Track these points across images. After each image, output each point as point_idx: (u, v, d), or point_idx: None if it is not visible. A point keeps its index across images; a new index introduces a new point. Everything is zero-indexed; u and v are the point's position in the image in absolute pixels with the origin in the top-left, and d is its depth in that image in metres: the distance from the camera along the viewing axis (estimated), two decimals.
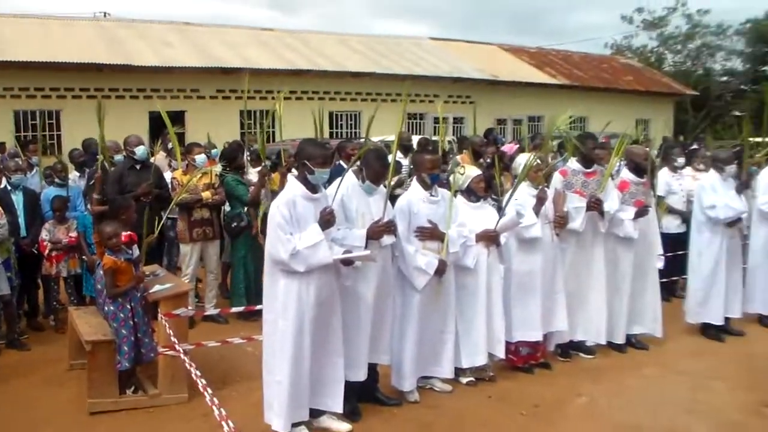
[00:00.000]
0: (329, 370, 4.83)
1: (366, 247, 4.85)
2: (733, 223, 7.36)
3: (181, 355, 4.90)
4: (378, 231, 4.92)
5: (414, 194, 5.49)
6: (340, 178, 4.97)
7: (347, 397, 4.92)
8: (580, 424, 5.26)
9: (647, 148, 12.27)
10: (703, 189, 7.46)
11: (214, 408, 3.96)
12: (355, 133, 20.64)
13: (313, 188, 4.74)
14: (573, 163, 6.71)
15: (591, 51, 33.03)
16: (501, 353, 5.93)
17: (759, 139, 11.64)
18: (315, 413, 4.89)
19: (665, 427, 5.21)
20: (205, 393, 4.17)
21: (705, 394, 5.83)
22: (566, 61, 29.53)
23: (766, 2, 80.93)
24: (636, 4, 54.25)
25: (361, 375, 5.05)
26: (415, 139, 11.35)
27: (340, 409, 4.88)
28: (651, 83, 30.01)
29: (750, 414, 5.44)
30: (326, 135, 15.09)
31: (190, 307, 5.94)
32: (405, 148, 9.69)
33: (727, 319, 7.45)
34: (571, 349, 6.66)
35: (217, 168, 8.30)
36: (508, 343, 6.03)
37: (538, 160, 6.34)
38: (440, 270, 5.35)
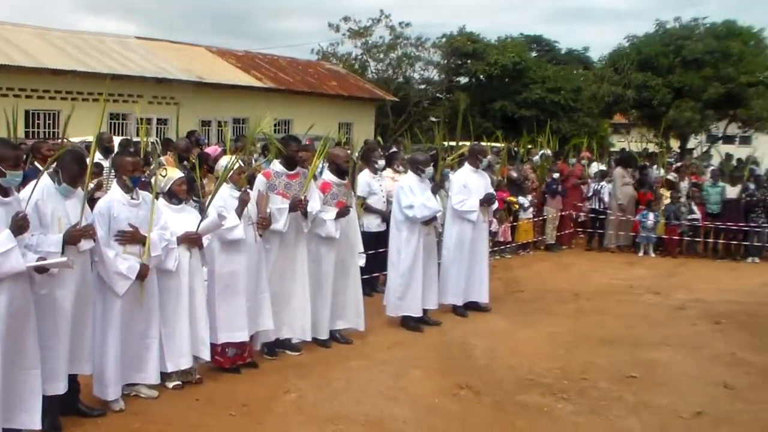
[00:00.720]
0: (24, 385, 4.83)
1: (63, 253, 4.94)
2: (429, 221, 8.47)
3: None
4: (75, 235, 5.06)
5: (114, 197, 5.69)
6: (34, 181, 5.03)
7: (46, 411, 4.97)
8: (289, 420, 5.80)
9: (349, 151, 13.42)
10: (401, 190, 8.48)
11: None
12: (54, 132, 19.75)
13: (4, 192, 4.74)
14: (276, 165, 7.29)
15: (298, 56, 34.56)
16: (206, 356, 6.33)
17: (452, 143, 13.33)
18: None
19: (370, 414, 5.91)
20: None
21: (406, 381, 6.71)
22: (272, 64, 30.65)
23: (459, 20, 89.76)
24: (343, 13, 57.54)
25: (60, 387, 5.14)
26: (117, 140, 11.39)
27: (38, 426, 4.90)
28: (354, 89, 32.22)
29: (447, 396, 6.38)
30: (21, 135, 14.38)
31: None
32: (105, 149, 9.75)
33: (424, 310, 8.60)
34: (277, 347, 7.27)
35: None
36: (214, 345, 6.45)
37: (240, 162, 6.83)
38: (142, 274, 5.61)
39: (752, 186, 14.34)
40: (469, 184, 9.16)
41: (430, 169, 8.59)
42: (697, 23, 21.06)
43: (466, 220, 9.11)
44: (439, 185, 8.79)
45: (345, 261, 7.72)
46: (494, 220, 11.97)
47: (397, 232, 8.48)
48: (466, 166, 9.41)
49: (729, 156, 18.60)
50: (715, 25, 20.91)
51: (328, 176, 7.76)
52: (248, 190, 6.78)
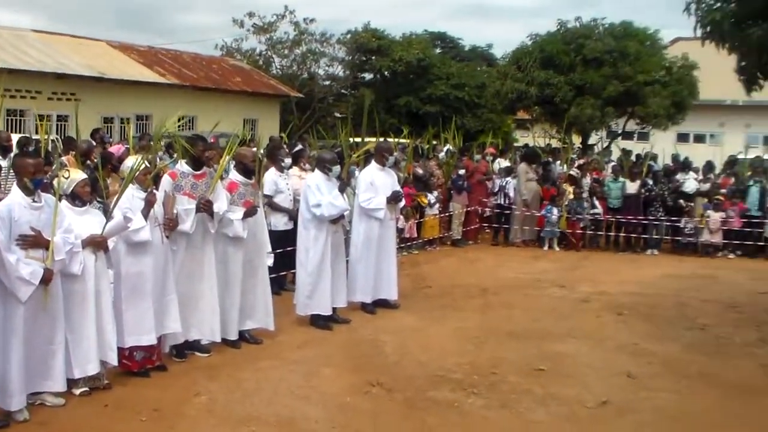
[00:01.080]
0: None
1: None
2: (337, 220, 8.60)
3: None
4: None
5: (15, 200, 5.58)
6: None
7: None
8: (200, 423, 5.82)
9: (254, 148, 13.42)
10: (308, 188, 8.58)
11: None
12: None
13: None
14: (182, 165, 7.26)
15: (202, 52, 34.20)
16: (114, 360, 6.27)
17: (358, 140, 13.48)
18: None
19: (282, 415, 5.98)
20: None
21: (317, 380, 6.80)
22: (176, 60, 30.30)
23: (364, 16, 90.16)
24: (247, 9, 56.96)
25: None
26: (15, 138, 11.05)
27: None
28: (259, 85, 32.11)
29: (358, 394, 6.50)
30: None
31: None
32: (4, 148, 9.46)
33: (334, 309, 8.71)
34: (186, 349, 7.27)
35: None
36: (121, 349, 6.41)
37: (146, 163, 6.79)
38: (45, 279, 5.52)
39: (650, 181, 15.00)
40: (376, 182, 9.32)
41: (336, 168, 8.74)
42: (597, 23, 21.85)
43: (374, 218, 9.28)
44: (345, 183, 8.96)
45: (253, 261, 7.75)
46: (401, 216, 12.17)
47: (305, 230, 8.57)
48: (373, 164, 9.56)
49: (628, 152, 19.35)
50: (614, 26, 21.74)
51: (234, 176, 7.79)
52: (154, 191, 6.74)
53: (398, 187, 9.78)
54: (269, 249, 8.11)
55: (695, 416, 6.23)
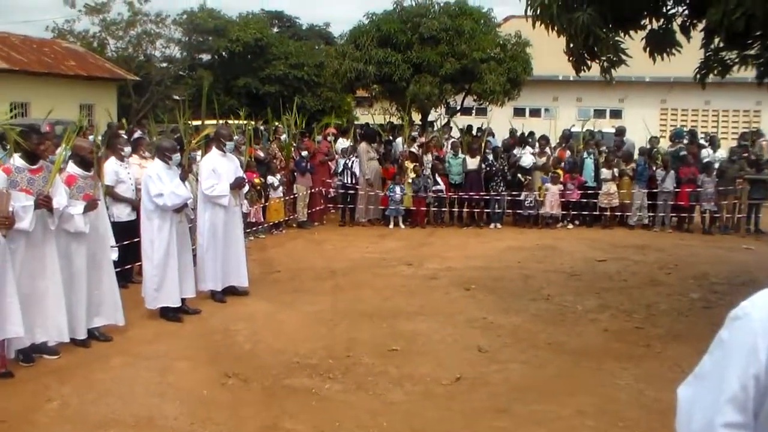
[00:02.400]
0: None
1: None
2: (180, 209, 8.52)
3: None
4: None
5: None
6: None
7: None
8: (54, 430, 5.59)
9: (91, 136, 12.98)
10: (149, 178, 8.44)
11: None
12: None
13: None
14: (17, 160, 6.93)
15: (32, 34, 32.65)
16: None
17: (197, 123, 13.29)
18: None
19: (140, 414, 5.84)
20: None
21: (172, 376, 6.72)
22: (4, 43, 28.88)
23: None
24: None
25: None
26: None
27: None
28: (94, 68, 31.06)
29: (215, 387, 6.47)
30: None
31: None
32: None
33: (183, 299, 8.64)
34: (33, 352, 7.00)
35: None
36: None
37: None
38: None
39: (490, 157, 15.60)
40: (218, 169, 9.29)
41: (177, 156, 8.66)
42: (432, 2, 22.26)
43: (218, 205, 9.24)
44: (187, 171, 8.92)
45: (97, 255, 7.57)
46: (245, 201, 12.15)
47: (149, 221, 8.46)
48: (214, 150, 9.50)
49: (469, 128, 20.00)
50: (449, 5, 22.22)
51: (72, 169, 7.55)
52: None
53: (241, 173, 9.77)
54: (113, 242, 7.92)
55: (545, 384, 6.58)
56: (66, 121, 16.00)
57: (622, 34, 7.93)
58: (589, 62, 7.95)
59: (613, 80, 8.01)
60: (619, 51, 7.65)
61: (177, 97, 28.85)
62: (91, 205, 7.32)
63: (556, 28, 7.53)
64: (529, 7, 7.65)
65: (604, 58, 7.76)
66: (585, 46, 7.58)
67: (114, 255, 7.91)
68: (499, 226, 15.52)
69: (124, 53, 34.66)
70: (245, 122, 16.82)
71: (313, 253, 12.72)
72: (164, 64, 34.98)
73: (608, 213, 15.65)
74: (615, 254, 12.64)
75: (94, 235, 7.47)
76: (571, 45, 7.81)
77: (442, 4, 22.45)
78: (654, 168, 15.49)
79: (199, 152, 11.25)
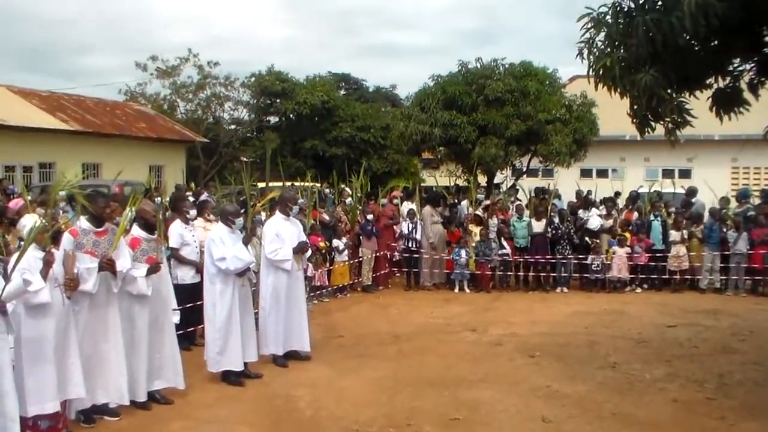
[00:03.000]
0: None
1: None
2: (243, 272, 8.61)
3: None
4: None
5: None
6: None
7: None
8: None
9: (158, 198, 13.35)
10: (212, 242, 8.59)
11: None
12: None
13: None
14: (83, 222, 7.19)
15: (105, 96, 34.13)
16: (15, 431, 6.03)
17: (262, 185, 13.53)
18: None
19: None
20: None
21: None
22: (79, 105, 30.00)
23: (267, 58, 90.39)
24: (149, 51, 56.55)
25: None
26: None
27: None
28: (164, 130, 32.02)
29: None
30: None
31: None
32: None
33: (245, 363, 8.68)
34: (94, 413, 7.12)
35: None
36: (24, 419, 6.20)
37: (43, 221, 6.68)
38: None
39: (556, 220, 15.46)
40: (282, 233, 9.40)
41: (239, 220, 8.84)
42: (497, 63, 22.40)
43: (281, 269, 9.33)
44: (250, 235, 9.05)
45: (159, 318, 7.72)
46: (309, 264, 12.25)
47: (211, 285, 8.57)
48: (278, 214, 9.64)
49: (535, 190, 19.94)
50: (514, 66, 22.35)
51: (137, 231, 7.76)
52: (53, 251, 6.59)
53: (304, 237, 9.88)
54: (175, 305, 8.06)
55: None
56: (135, 183, 16.46)
57: (686, 94, 7.84)
58: (653, 124, 7.87)
59: (678, 141, 7.90)
60: (684, 112, 7.55)
61: (244, 159, 29.55)
62: (154, 268, 7.49)
63: (618, 90, 7.50)
64: (591, 69, 7.65)
65: (668, 120, 7.68)
66: (648, 107, 7.52)
67: (176, 318, 8.05)
68: (565, 290, 15.30)
69: (194, 115, 35.78)
70: (311, 184, 17.05)
71: (377, 318, 12.68)
72: (232, 126, 35.97)
73: (678, 276, 15.27)
74: (685, 319, 12.29)
75: (156, 297, 7.63)
76: (635, 107, 7.76)
77: (506, 66, 22.57)
78: (725, 229, 15.11)
79: (264, 215, 11.42)
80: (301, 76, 34.87)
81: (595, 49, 7.63)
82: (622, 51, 7.42)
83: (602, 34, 7.54)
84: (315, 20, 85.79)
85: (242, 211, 9.84)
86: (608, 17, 7.42)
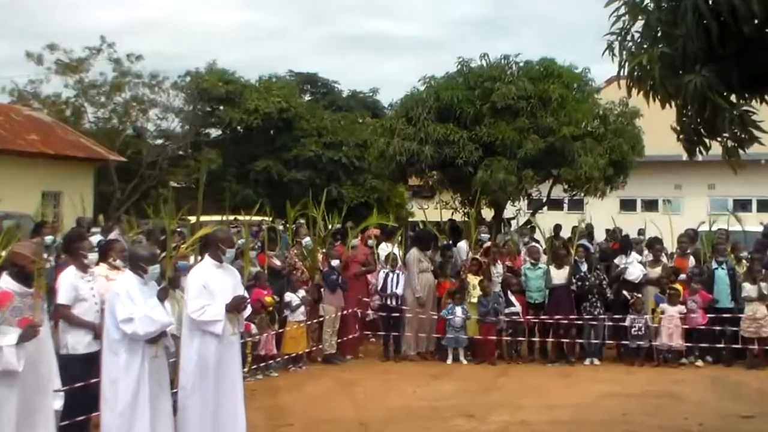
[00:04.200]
0: None
1: None
2: (157, 338, 8.42)
3: None
4: None
5: None
6: None
7: None
8: None
9: (49, 238, 13.10)
10: (117, 297, 8.35)
11: None
12: None
13: None
14: None
15: None
16: None
17: (193, 218, 13.32)
18: None
19: None
20: None
21: None
22: None
23: (209, 53, 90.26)
24: (47, 38, 56.09)
25: None
26: None
27: None
28: (65, 144, 31.67)
29: None
30: None
31: None
32: None
33: None
34: None
35: None
36: None
37: None
38: None
39: (584, 267, 15.29)
40: (211, 285, 9.13)
41: (155, 268, 8.58)
42: (509, 61, 22.33)
43: (210, 334, 9.07)
44: (168, 287, 8.87)
45: (33, 403, 7.48)
46: (252, 326, 12.05)
47: (113, 355, 8.35)
48: (207, 259, 9.41)
49: (557, 228, 19.83)
50: (531, 65, 22.29)
51: (7, 283, 7.53)
52: None
53: (242, 290, 9.64)
54: (58, 384, 7.84)
55: None
56: (18, 215, 16.14)
57: (753, 101, 7.71)
58: (707, 141, 7.73)
59: (740, 164, 7.73)
60: (749, 124, 7.39)
61: (174, 184, 29.33)
62: (28, 334, 7.26)
63: (659, 97, 7.35)
64: (623, 69, 7.54)
65: (727, 135, 7.53)
66: (701, 119, 7.38)
67: (58, 403, 7.82)
68: (596, 362, 15.15)
69: (107, 125, 35.49)
70: (261, 219, 16.89)
71: (341, 399, 12.55)
72: (159, 141, 35.72)
73: (755, 346, 15.04)
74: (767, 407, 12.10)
75: (31, 374, 7.39)
76: (683, 119, 7.63)
77: (521, 65, 22.57)
78: None
79: (192, 259, 11.25)
80: (253, 75, 34.88)
81: (629, 43, 7.54)
82: (664, 45, 7.29)
83: (639, 23, 7.44)
84: (273, 1, 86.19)
85: (161, 255, 9.64)
86: (647, 1, 7.32)
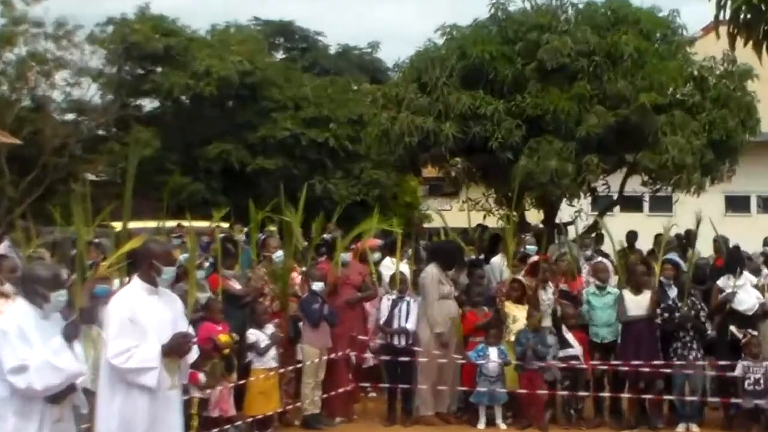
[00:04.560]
0: None
1: None
2: (62, 395, 8.44)
3: None
4: None
5: None
6: None
7: None
8: None
9: None
10: (3, 336, 8.27)
11: None
12: None
13: None
14: None
15: None
16: None
17: (118, 225, 13.37)
18: None
19: None
20: None
21: None
22: None
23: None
24: None
25: None
26: None
27: None
28: None
29: None
30: None
31: None
32: None
33: None
34: None
35: None
36: None
37: None
38: None
39: (672, 293, 15.20)
40: (142, 318, 9.10)
41: (60, 295, 8.53)
42: (563, 3, 22.05)
43: (138, 387, 9.03)
44: (77, 323, 8.89)
45: None
46: (199, 376, 12.03)
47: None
48: (136, 281, 9.37)
49: (632, 235, 19.77)
50: (595, 7, 22.04)
51: None
52: None
53: (185, 324, 9.60)
54: None
55: None
56: None
57: None
58: None
59: None
60: None
61: (92, 177, 29.30)
62: None
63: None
64: (722, 12, 7.52)
65: None
66: None
67: None
68: (694, 429, 15.05)
69: None
70: (214, 225, 16.93)
71: None
72: (70, 117, 35.72)
73: None
74: None
75: None
76: None
77: (580, 7, 22.37)
78: None
79: (115, 284, 11.25)
80: (203, 25, 34.79)
81: None
82: None
83: None
84: None
85: (69, 276, 9.64)
86: None
